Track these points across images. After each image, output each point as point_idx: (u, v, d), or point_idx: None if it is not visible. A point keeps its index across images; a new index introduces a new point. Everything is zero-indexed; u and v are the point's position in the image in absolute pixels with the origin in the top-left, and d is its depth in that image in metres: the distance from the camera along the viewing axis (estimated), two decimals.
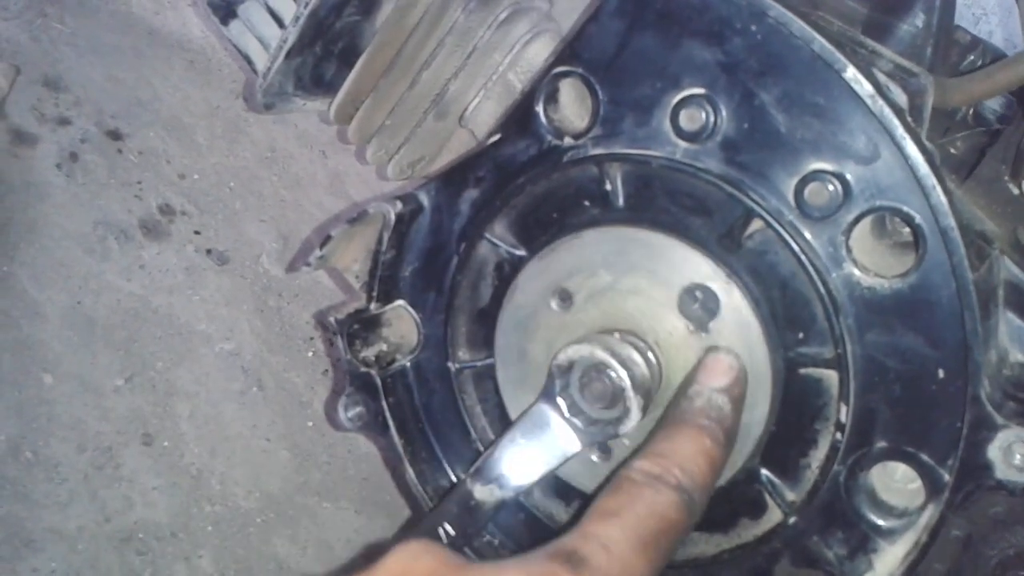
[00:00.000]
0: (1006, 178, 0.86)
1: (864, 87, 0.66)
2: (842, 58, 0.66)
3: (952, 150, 0.98)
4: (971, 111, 1.05)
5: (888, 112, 0.66)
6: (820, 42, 0.67)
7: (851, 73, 0.66)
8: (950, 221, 0.65)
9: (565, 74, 0.80)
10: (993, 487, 0.78)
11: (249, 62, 1.15)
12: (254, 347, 1.69)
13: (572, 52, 0.80)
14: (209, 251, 1.78)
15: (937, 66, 0.94)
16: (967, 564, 0.88)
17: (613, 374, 0.74)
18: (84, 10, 2.02)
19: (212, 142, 1.96)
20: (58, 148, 1.74)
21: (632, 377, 0.74)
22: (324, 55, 1.15)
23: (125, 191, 1.77)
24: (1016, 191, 0.85)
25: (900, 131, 0.66)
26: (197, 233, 1.79)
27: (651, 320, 0.76)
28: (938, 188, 0.65)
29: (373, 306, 0.89)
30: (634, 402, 0.73)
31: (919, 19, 0.92)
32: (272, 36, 1.12)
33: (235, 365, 1.63)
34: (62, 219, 1.66)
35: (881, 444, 0.74)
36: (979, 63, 1.08)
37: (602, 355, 0.73)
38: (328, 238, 0.88)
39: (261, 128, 2.03)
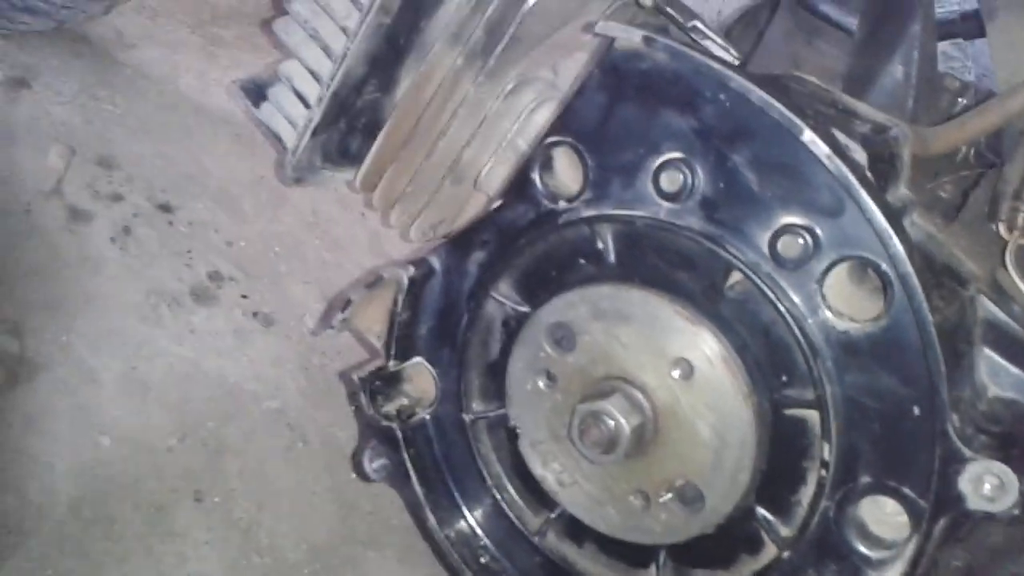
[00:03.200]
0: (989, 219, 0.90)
1: (821, 148, 0.72)
2: (799, 122, 0.72)
3: (942, 193, 1.02)
4: (971, 151, 1.08)
5: (845, 170, 0.71)
6: (778, 109, 0.73)
7: (808, 136, 0.72)
8: (908, 268, 0.70)
9: (557, 143, 0.87)
10: (982, 517, 0.82)
11: (280, 140, 1.23)
12: (299, 404, 1.76)
13: (562, 123, 0.87)
14: (256, 314, 1.86)
15: (921, 115, 0.99)
16: None
17: (611, 422, 0.80)
18: (134, 91, 2.15)
19: (258, 210, 2.06)
20: (112, 223, 1.85)
21: (627, 425, 0.79)
22: (348, 130, 1.23)
23: (176, 260, 1.87)
24: (997, 232, 0.89)
25: (857, 187, 0.71)
26: (244, 297, 1.88)
27: (642, 370, 0.82)
28: (894, 238, 0.70)
29: (392, 364, 0.95)
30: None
31: (898, 71, 0.97)
32: (299, 116, 1.21)
33: (281, 422, 1.70)
34: (116, 290, 1.76)
35: (866, 479, 0.78)
36: (971, 106, 1.12)
37: (593, 405, 0.79)
38: (348, 302, 0.95)
39: (303, 194, 2.12)
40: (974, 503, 0.72)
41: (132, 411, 1.63)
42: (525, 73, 1.17)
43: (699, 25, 1.17)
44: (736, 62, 1.14)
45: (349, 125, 1.22)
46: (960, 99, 1.12)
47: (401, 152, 1.21)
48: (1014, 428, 0.79)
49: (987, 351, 0.82)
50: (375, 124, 1.23)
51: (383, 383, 0.96)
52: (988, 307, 0.83)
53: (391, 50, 1.17)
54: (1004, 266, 0.85)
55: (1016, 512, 0.82)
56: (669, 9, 1.17)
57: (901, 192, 0.88)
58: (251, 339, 1.82)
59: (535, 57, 1.17)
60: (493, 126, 1.17)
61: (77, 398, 1.60)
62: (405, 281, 0.93)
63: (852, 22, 0.94)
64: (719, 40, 1.17)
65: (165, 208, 1.94)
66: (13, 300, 1.65)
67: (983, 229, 0.90)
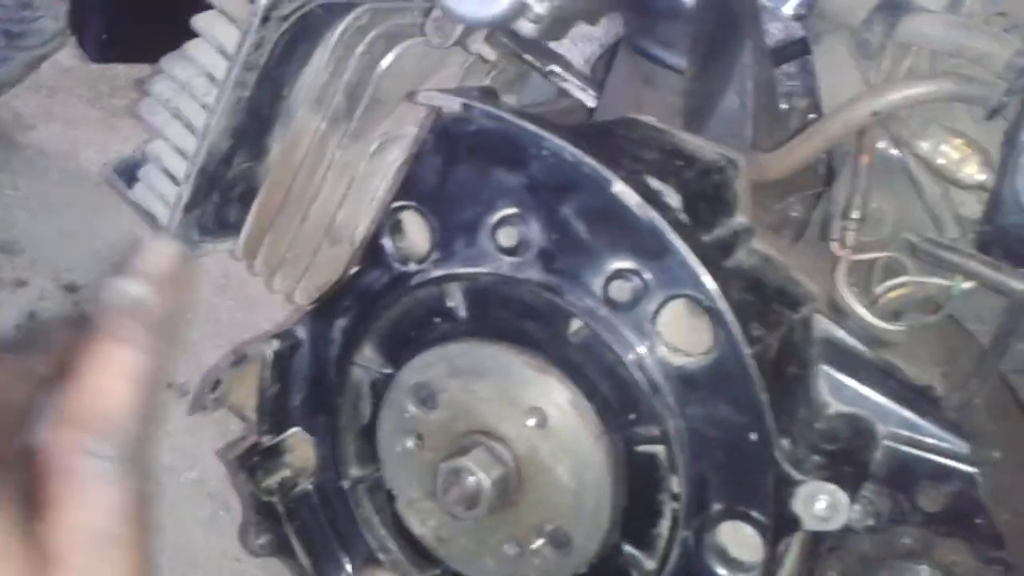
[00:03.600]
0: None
1: (631, 198, 0.74)
2: (608, 175, 0.75)
3: (794, 213, 1.06)
4: (822, 167, 1.12)
5: (655, 216, 0.74)
6: (589, 163, 0.75)
7: (618, 187, 0.75)
8: (719, 304, 0.73)
9: (402, 208, 0.89)
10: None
11: (155, 219, 1.24)
12: (219, 472, 1.76)
13: (404, 188, 0.89)
14: (170, 385, 1.86)
15: (764, 140, 1.02)
16: None
17: (471, 477, 0.81)
18: (34, 172, 2.15)
19: None
20: (17, 309, 1.85)
21: (488, 479, 0.81)
22: (224, 201, 1.24)
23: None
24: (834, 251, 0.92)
25: (668, 232, 0.74)
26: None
27: (500, 421, 0.84)
28: (704, 276, 0.73)
29: (266, 438, 0.96)
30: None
31: (734, 101, 1.00)
32: (171, 193, 1.22)
33: (201, 492, 1.70)
34: None
35: (717, 507, 0.80)
36: None
37: (455, 463, 0.81)
38: (218, 382, 0.96)
39: (214, 261, 2.12)
40: (810, 523, 0.74)
41: None
42: (390, 131, 1.19)
43: (556, 69, 1.20)
44: (593, 103, 1.18)
45: (223, 197, 1.23)
46: (810, 115, 1.16)
47: (277, 218, 1.23)
48: (851, 443, 0.82)
49: (825, 368, 0.85)
50: (250, 193, 1.24)
51: (261, 458, 0.97)
52: (825, 326, 0.87)
53: (255, 121, 1.18)
54: (836, 285, 0.89)
55: (870, 523, 0.86)
56: (527, 56, 1.20)
57: (735, 222, 0.91)
58: (166, 412, 1.82)
59: (399, 115, 1.19)
60: (363, 186, 1.19)
61: None
62: (270, 355, 0.94)
63: (683, 63, 0.97)
64: (577, 82, 1.21)
65: (71, 288, 1.94)
66: None
67: (821, 248, 0.94)
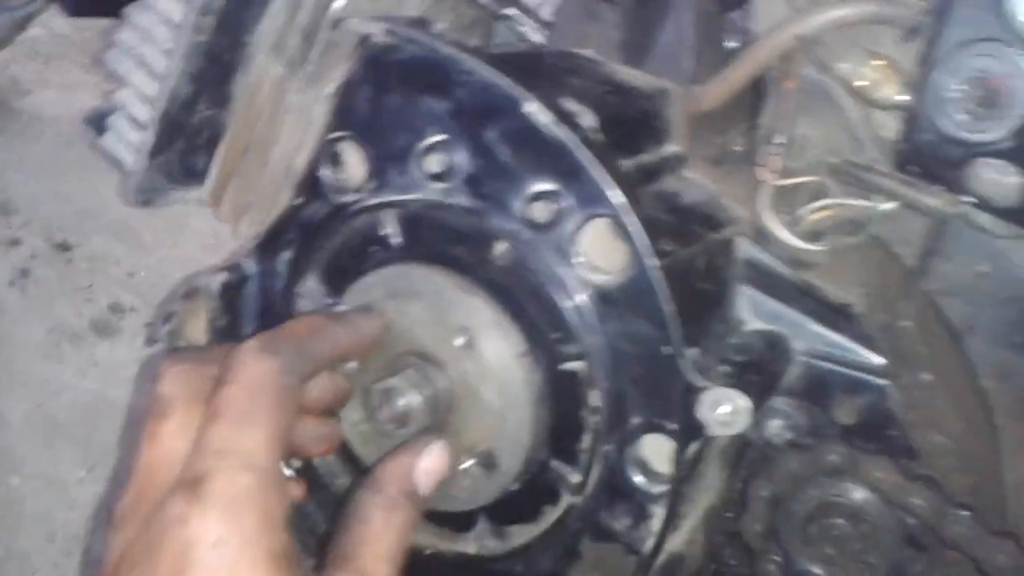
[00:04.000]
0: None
1: (541, 117, 0.77)
2: (517, 95, 0.77)
3: (736, 147, 1.07)
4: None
5: (565, 135, 0.76)
6: (502, 84, 0.78)
7: (528, 106, 0.77)
8: (626, 217, 0.75)
9: (338, 139, 0.92)
10: (759, 444, 0.88)
11: (123, 165, 1.28)
12: None
13: (339, 119, 0.92)
14: (146, 342, 1.91)
15: (704, 74, 1.04)
16: (781, 521, 0.96)
17: (400, 398, 0.84)
18: (30, 135, 2.20)
19: (157, 239, 2.10)
20: (10, 267, 1.90)
21: (418, 397, 0.84)
22: (189, 148, 1.27)
23: (76, 296, 1.92)
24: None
25: (577, 150, 0.76)
26: (147, 325, 1.93)
27: (432, 342, 0.86)
28: (610, 191, 0.75)
29: None
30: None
31: (672, 35, 1.02)
32: (137, 140, 1.25)
33: None
34: (18, 331, 1.81)
35: (636, 420, 0.83)
36: None
37: (385, 384, 0.84)
38: (170, 315, 1.00)
39: (203, 220, 2.17)
40: (714, 428, 0.77)
41: (40, 448, 1.68)
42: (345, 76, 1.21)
43: (511, 12, 1.22)
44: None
45: (189, 143, 1.26)
46: None
47: (241, 164, 1.26)
48: (763, 356, 0.84)
49: (746, 288, 0.87)
50: (215, 140, 1.28)
51: None
52: (746, 248, 0.89)
53: (215, 67, 1.21)
54: (759, 208, 0.91)
55: (789, 437, 0.89)
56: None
57: (665, 149, 0.94)
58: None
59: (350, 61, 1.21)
60: (319, 130, 1.21)
61: None
62: (216, 288, 0.98)
63: None
64: (532, 24, 1.23)
65: (63, 247, 1.99)
66: None
67: (749, 176, 0.96)
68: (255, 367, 0.66)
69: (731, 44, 1.12)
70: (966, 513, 0.90)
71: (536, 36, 1.23)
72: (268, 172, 1.25)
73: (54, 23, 2.43)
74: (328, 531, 0.83)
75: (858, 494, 0.93)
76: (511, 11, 1.23)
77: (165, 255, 2.05)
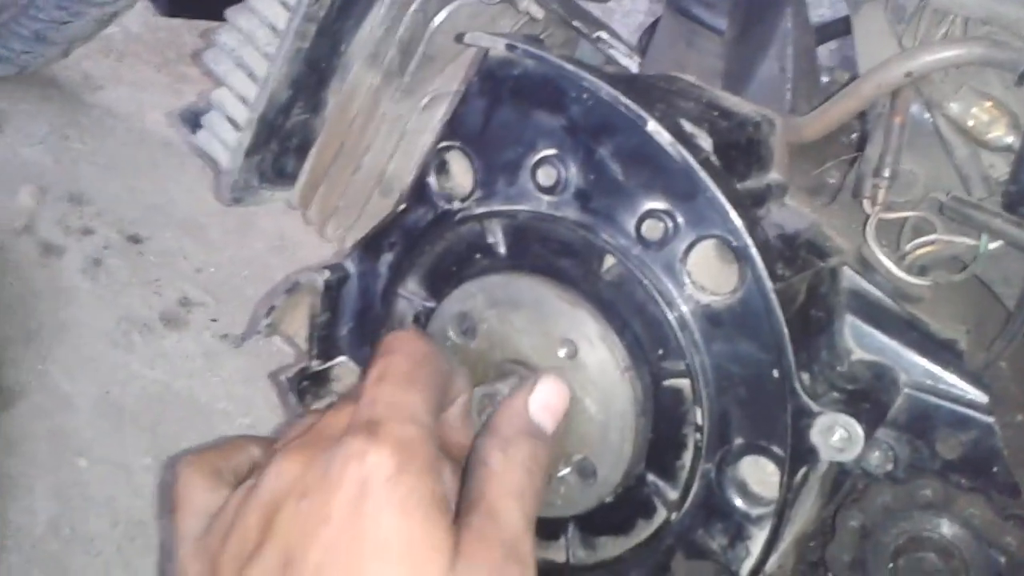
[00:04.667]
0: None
1: (664, 137, 0.78)
2: (643, 114, 0.79)
3: (829, 179, 1.08)
4: (854, 135, 1.15)
5: (687, 155, 0.78)
6: (624, 102, 0.79)
7: (651, 126, 0.79)
8: (746, 240, 0.76)
9: (448, 148, 0.94)
10: (859, 475, 0.89)
11: (217, 164, 1.31)
12: (271, 420, 1.83)
13: (450, 129, 0.93)
14: (225, 336, 1.94)
15: (800, 106, 1.05)
16: (869, 552, 0.96)
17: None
18: (102, 130, 2.24)
19: (225, 237, 2.14)
20: (83, 256, 1.93)
21: None
22: (281, 151, 1.31)
23: (146, 288, 1.95)
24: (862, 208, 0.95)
25: (699, 170, 0.77)
26: (214, 320, 1.96)
27: (534, 351, 0.88)
28: (732, 213, 0.77)
29: (315, 363, 1.02)
30: None
31: (774, 66, 1.04)
32: (232, 139, 1.28)
33: None
34: (89, 319, 1.84)
35: (739, 441, 0.84)
36: None
37: (487, 388, 0.85)
38: (272, 308, 1.02)
39: (271, 220, 2.21)
40: (826, 453, 0.78)
41: (107, 433, 1.71)
42: (440, 88, 1.24)
43: (603, 36, 1.24)
44: (636, 68, 1.22)
45: (281, 146, 1.29)
46: None
47: (331, 169, 1.29)
48: (871, 386, 0.85)
49: (850, 317, 0.88)
50: (306, 144, 1.31)
51: (310, 382, 1.02)
52: (852, 278, 0.90)
53: (313, 73, 1.24)
54: (865, 240, 0.92)
55: (890, 468, 0.89)
56: (575, 22, 1.24)
57: (770, 176, 0.95)
58: (221, 360, 1.90)
59: (449, 73, 1.24)
60: (413, 140, 1.24)
61: (55, 422, 1.68)
62: (320, 285, 1.00)
63: (723, 25, 1.01)
64: (622, 48, 1.25)
65: (134, 239, 2.03)
66: None
67: (853, 208, 0.96)
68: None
69: (824, 78, 1.14)
70: None
71: (624, 60, 1.25)
72: (358, 178, 1.28)
73: (128, 22, 2.49)
74: None
75: (949, 529, 0.93)
76: (602, 34, 1.25)
77: (233, 253, 2.08)
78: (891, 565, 0.94)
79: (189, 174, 2.21)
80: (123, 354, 1.82)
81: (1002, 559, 0.91)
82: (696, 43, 1.05)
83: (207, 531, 0.65)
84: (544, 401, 0.76)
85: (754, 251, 0.77)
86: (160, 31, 2.61)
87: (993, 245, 0.89)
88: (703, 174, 0.78)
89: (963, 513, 0.91)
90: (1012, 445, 1.00)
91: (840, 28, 1.10)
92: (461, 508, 0.67)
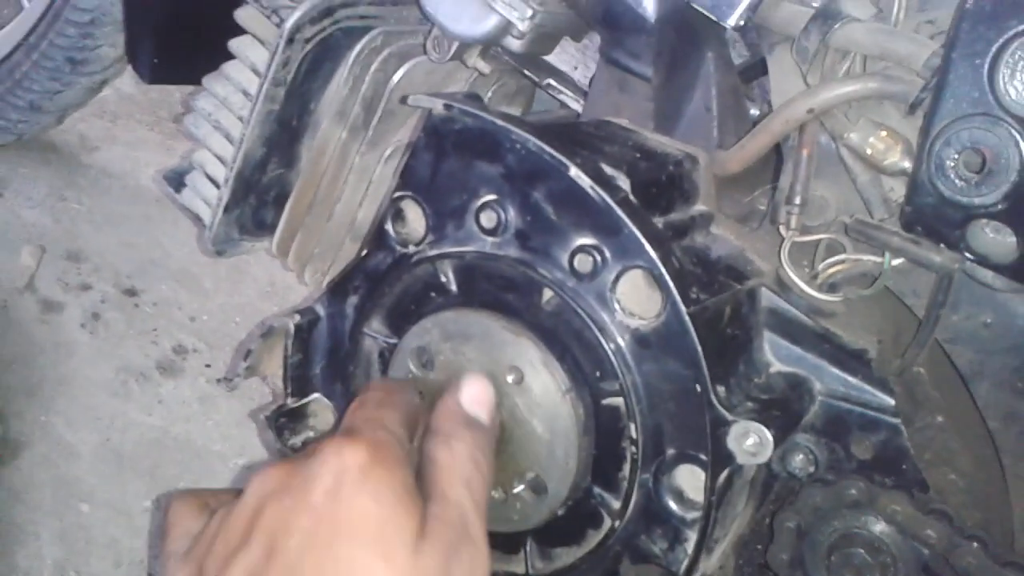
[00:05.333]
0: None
1: (584, 180, 0.88)
2: (565, 161, 0.88)
3: (761, 206, 1.17)
4: None
5: (606, 197, 0.87)
6: (548, 151, 0.89)
7: (573, 172, 0.88)
8: (659, 269, 0.85)
9: (401, 198, 1.03)
10: (783, 477, 0.97)
11: (200, 220, 1.40)
12: (265, 458, 1.92)
13: (403, 180, 1.03)
14: (219, 381, 2.03)
15: (728, 140, 1.14)
16: (806, 550, 1.04)
17: None
18: (98, 189, 2.35)
19: (217, 285, 2.23)
20: (82, 311, 2.03)
21: None
22: (259, 204, 1.40)
23: (143, 339, 2.04)
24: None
25: (616, 210, 0.87)
26: (208, 366, 2.05)
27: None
28: (647, 246, 0.86)
29: (290, 401, 1.11)
30: None
31: (700, 106, 1.13)
32: (213, 196, 1.38)
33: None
34: (89, 371, 1.93)
35: (671, 451, 0.92)
36: None
37: None
38: (249, 352, 1.11)
39: (261, 268, 2.30)
40: (741, 457, 0.86)
41: (108, 479, 1.79)
42: (401, 139, 1.33)
43: (552, 83, 1.34)
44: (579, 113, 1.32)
45: (259, 199, 1.39)
46: None
47: (306, 219, 1.38)
48: (785, 395, 0.94)
49: (768, 334, 0.97)
50: (283, 196, 1.40)
51: (287, 419, 1.11)
52: (770, 297, 0.98)
53: (285, 131, 1.34)
54: (780, 262, 1.00)
55: (811, 470, 0.98)
56: (525, 71, 1.34)
57: (694, 209, 1.04)
58: (216, 404, 1.98)
59: (409, 126, 1.34)
60: (379, 188, 1.34)
61: (58, 471, 1.77)
62: (291, 328, 1.09)
63: (649, 71, 1.10)
64: (570, 94, 1.35)
65: (131, 292, 2.12)
66: None
67: (773, 233, 1.05)
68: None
69: (753, 111, 1.23)
70: (976, 545, 0.97)
71: (574, 104, 1.35)
72: (331, 226, 1.38)
73: (121, 84, 2.60)
74: None
75: (877, 526, 1.00)
76: (551, 80, 1.35)
77: (225, 301, 2.17)
78: (827, 561, 1.02)
79: (182, 228, 2.31)
80: (122, 403, 1.90)
81: (925, 551, 0.99)
82: (629, 88, 1.15)
83: (193, 544, 0.73)
84: (473, 396, 0.84)
85: (668, 279, 0.86)
86: (152, 91, 2.72)
87: (896, 261, 0.98)
88: (620, 212, 0.87)
89: (886, 510, 0.99)
90: (934, 445, 1.08)
91: (759, 70, 1.19)
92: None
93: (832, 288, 1.00)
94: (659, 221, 0.96)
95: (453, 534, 0.70)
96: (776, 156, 1.12)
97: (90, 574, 1.66)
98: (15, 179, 2.26)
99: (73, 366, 1.93)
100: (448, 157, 0.99)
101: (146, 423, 1.89)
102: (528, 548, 1.03)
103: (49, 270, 2.07)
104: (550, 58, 1.39)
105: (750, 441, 0.86)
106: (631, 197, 0.90)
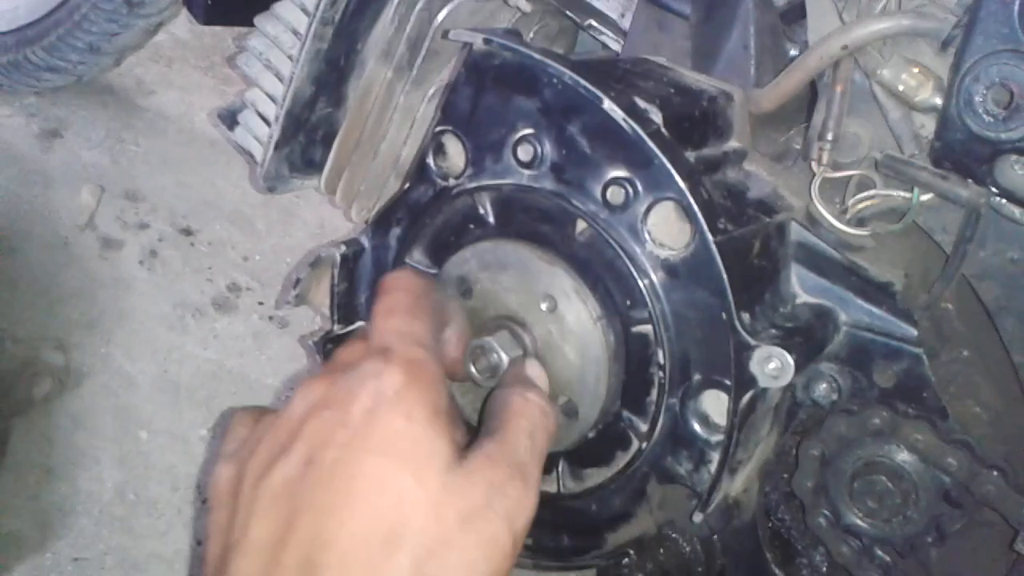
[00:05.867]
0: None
1: (617, 113, 0.91)
2: (599, 94, 0.91)
3: (796, 145, 1.19)
4: None
5: (638, 129, 0.90)
6: (583, 85, 0.92)
7: (607, 104, 0.91)
8: (689, 200, 0.88)
9: (442, 132, 1.07)
10: (807, 405, 1.00)
11: (252, 157, 1.46)
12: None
13: (444, 115, 1.06)
14: (271, 318, 2.10)
15: (766, 79, 1.16)
16: (830, 478, 1.07)
17: (492, 354, 0.98)
18: (154, 131, 2.41)
19: (270, 227, 2.30)
20: (140, 248, 2.11)
21: (506, 356, 0.98)
22: (308, 142, 1.45)
23: (198, 276, 2.12)
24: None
25: (648, 142, 0.90)
26: (261, 304, 2.12)
27: (520, 307, 1.01)
28: (676, 177, 0.89)
29: (337, 328, 1.16)
30: None
31: (738, 44, 1.15)
32: (264, 134, 1.43)
33: None
34: (147, 305, 2.01)
35: (698, 377, 0.96)
36: None
37: (481, 341, 0.98)
38: (297, 281, 1.16)
39: (311, 210, 2.36)
40: (763, 381, 0.89)
41: (166, 408, 1.87)
42: (445, 79, 1.37)
43: (593, 23, 1.37)
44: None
45: (308, 138, 1.44)
46: None
47: (353, 157, 1.43)
48: (809, 324, 0.97)
49: (796, 266, 1.00)
50: (331, 135, 1.45)
51: (334, 345, 1.17)
52: (799, 231, 1.01)
53: (333, 71, 1.38)
54: (811, 197, 1.03)
55: (834, 398, 1.01)
56: (568, 12, 1.36)
57: (728, 145, 1.07)
58: (268, 340, 2.06)
59: (452, 66, 1.37)
60: (422, 127, 1.38)
61: (118, 399, 1.85)
62: (338, 258, 1.13)
63: (687, 9, 1.12)
64: (611, 35, 1.37)
65: (187, 231, 2.20)
66: (57, 320, 1.91)
67: (804, 170, 1.08)
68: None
69: (793, 52, 1.24)
70: (996, 473, 1.00)
71: (615, 45, 1.37)
72: (377, 163, 1.42)
73: (176, 29, 2.66)
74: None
75: (899, 455, 1.03)
76: (592, 21, 1.37)
77: (277, 242, 2.24)
78: (850, 488, 1.05)
79: (236, 170, 2.37)
80: (178, 336, 1.98)
81: (947, 479, 1.02)
82: (667, 27, 1.17)
83: (240, 447, 0.78)
84: (536, 372, 0.90)
85: (696, 209, 0.89)
86: (205, 36, 2.77)
87: (925, 197, 1.00)
88: (651, 144, 0.90)
89: (908, 438, 1.01)
90: (959, 379, 1.10)
91: (802, 11, 1.20)
92: (481, 434, 0.78)
93: (861, 223, 1.03)
94: (691, 155, 0.99)
95: (501, 472, 0.72)
96: (811, 95, 1.14)
97: (148, 497, 1.74)
98: (75, 121, 2.33)
99: (132, 301, 2.00)
100: (487, 92, 1.02)
101: (202, 356, 1.97)
102: (560, 469, 1.08)
103: (108, 209, 2.15)
104: (595, 3, 1.41)
105: (772, 365, 0.89)
106: (663, 130, 0.92)
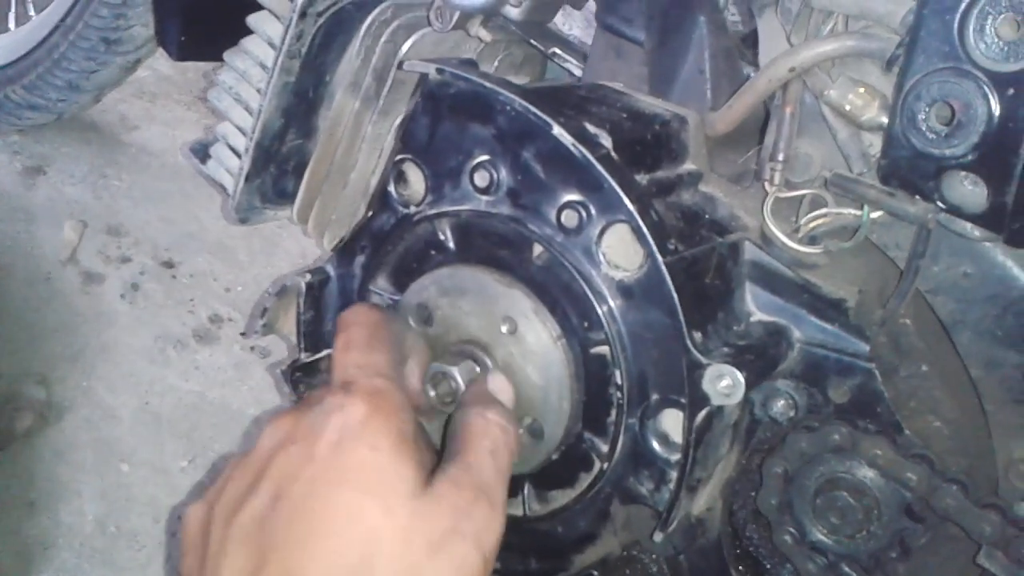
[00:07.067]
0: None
1: (566, 139, 0.92)
2: (549, 120, 0.93)
3: (753, 166, 1.21)
4: None
5: (587, 154, 0.92)
6: (534, 112, 0.94)
7: (556, 130, 0.93)
8: (638, 222, 0.90)
9: (403, 160, 1.09)
10: (765, 422, 1.01)
11: (224, 189, 1.47)
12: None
13: (403, 143, 1.08)
14: (253, 348, 2.11)
15: (720, 102, 1.18)
16: (794, 495, 1.08)
17: (452, 381, 0.99)
18: (138, 166, 2.44)
19: (252, 257, 2.31)
20: (122, 282, 2.12)
21: (463, 378, 0.99)
22: (280, 173, 1.47)
23: (180, 308, 2.13)
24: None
25: (597, 166, 0.91)
26: (242, 335, 2.13)
27: (481, 330, 1.02)
28: (625, 200, 0.90)
29: (304, 356, 1.17)
30: None
31: (694, 69, 1.17)
32: (235, 167, 1.44)
33: None
34: (128, 338, 2.02)
35: (655, 396, 0.97)
36: None
37: (440, 367, 0.99)
38: (264, 310, 1.18)
39: (294, 240, 2.38)
40: (716, 399, 0.90)
41: (147, 440, 1.88)
42: None
43: (557, 51, 1.39)
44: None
45: (280, 169, 1.46)
46: None
47: (324, 187, 1.44)
48: (763, 342, 0.98)
49: (750, 284, 1.01)
50: (302, 166, 1.47)
51: (301, 372, 1.18)
52: (752, 250, 1.02)
53: (302, 103, 1.40)
54: (764, 217, 1.04)
55: (791, 415, 1.02)
56: (531, 40, 1.39)
57: (683, 167, 1.08)
58: (250, 370, 2.07)
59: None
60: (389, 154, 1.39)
61: (99, 432, 1.86)
62: (303, 286, 1.15)
63: (642, 36, 1.14)
64: (575, 62, 1.39)
65: (168, 264, 2.21)
66: (40, 355, 1.92)
67: (759, 190, 1.09)
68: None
69: (751, 74, 1.26)
70: (956, 487, 1.01)
71: (579, 72, 1.39)
72: (347, 193, 1.44)
73: (159, 65, 2.69)
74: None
75: (861, 471, 1.04)
76: (556, 49, 1.39)
77: (259, 272, 2.25)
78: (813, 504, 1.06)
79: (217, 203, 2.39)
80: (160, 369, 1.99)
81: (908, 494, 1.03)
82: (624, 54, 1.19)
83: (209, 487, 0.79)
84: (499, 385, 0.92)
85: (645, 230, 0.90)
86: (188, 72, 2.81)
87: (875, 214, 1.01)
88: (600, 168, 0.92)
89: (868, 454, 1.02)
90: (918, 393, 1.12)
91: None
92: (444, 458, 0.79)
93: (813, 241, 1.04)
94: (643, 178, 1.00)
95: (467, 495, 0.74)
96: (766, 117, 1.16)
97: (130, 529, 1.75)
98: (58, 158, 2.35)
99: (113, 334, 2.02)
100: (444, 120, 1.04)
101: (183, 388, 1.98)
102: (526, 492, 1.09)
103: (90, 244, 2.17)
104: (558, 31, 1.43)
105: (724, 383, 0.90)
106: (612, 154, 0.94)
